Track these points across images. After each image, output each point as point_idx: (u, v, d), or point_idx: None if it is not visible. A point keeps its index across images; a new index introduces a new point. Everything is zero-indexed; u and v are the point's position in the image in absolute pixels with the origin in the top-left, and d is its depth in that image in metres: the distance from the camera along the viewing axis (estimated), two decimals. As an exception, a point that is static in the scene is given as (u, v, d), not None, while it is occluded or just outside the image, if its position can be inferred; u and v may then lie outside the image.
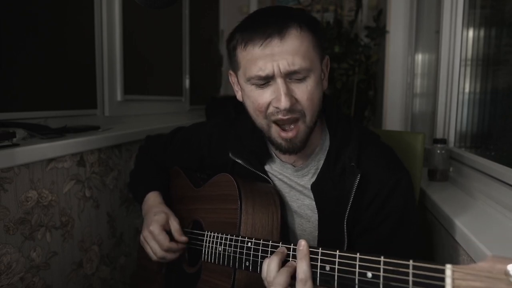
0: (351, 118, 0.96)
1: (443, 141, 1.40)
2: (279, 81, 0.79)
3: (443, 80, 1.54)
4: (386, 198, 0.83)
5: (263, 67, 0.79)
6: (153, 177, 1.14)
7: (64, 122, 1.35)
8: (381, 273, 0.56)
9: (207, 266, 0.93)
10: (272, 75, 0.79)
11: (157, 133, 1.29)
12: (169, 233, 0.98)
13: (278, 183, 0.97)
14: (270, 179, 0.96)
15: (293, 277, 0.67)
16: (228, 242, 0.85)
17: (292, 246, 0.71)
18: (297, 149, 0.86)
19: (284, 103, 0.78)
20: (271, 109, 0.82)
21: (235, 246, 0.83)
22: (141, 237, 1.00)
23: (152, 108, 2.05)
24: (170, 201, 1.10)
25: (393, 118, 2.12)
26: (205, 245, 0.92)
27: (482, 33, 1.42)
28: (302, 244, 0.67)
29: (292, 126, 0.83)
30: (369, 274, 0.57)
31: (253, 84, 0.83)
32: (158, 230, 0.95)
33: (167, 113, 2.21)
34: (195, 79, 2.48)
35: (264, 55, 0.78)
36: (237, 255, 0.82)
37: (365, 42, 2.47)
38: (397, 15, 2.08)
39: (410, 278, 0.53)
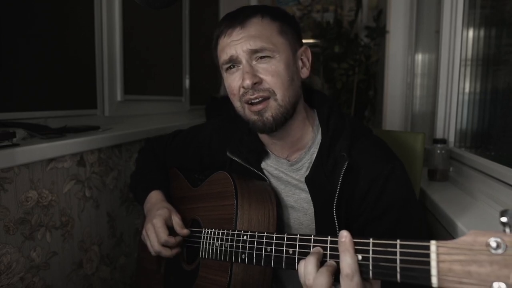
0: (345, 114, 0.97)
1: (443, 141, 1.40)
2: (244, 62, 0.86)
3: (443, 80, 1.54)
4: (382, 187, 0.83)
5: (228, 52, 0.87)
6: (154, 177, 1.15)
7: (64, 122, 1.35)
8: (370, 255, 0.57)
9: (204, 262, 0.94)
10: (236, 56, 0.86)
11: (156, 135, 1.30)
12: (171, 228, 0.99)
13: (273, 179, 0.98)
14: (266, 177, 0.98)
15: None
16: (224, 237, 0.86)
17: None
18: (270, 125, 0.87)
19: (246, 80, 0.84)
20: (241, 91, 0.87)
21: (231, 240, 0.84)
22: (143, 231, 1.01)
23: (152, 108, 2.05)
24: (170, 201, 1.10)
25: (393, 118, 2.12)
26: (203, 242, 0.93)
27: (482, 33, 1.42)
28: (344, 235, 0.59)
29: (261, 101, 0.87)
30: (359, 257, 0.58)
31: (225, 71, 0.91)
32: (160, 223, 0.97)
33: (167, 113, 2.20)
34: (195, 79, 2.48)
35: (229, 41, 0.87)
36: (234, 249, 0.83)
37: (365, 42, 2.47)
38: (397, 15, 2.08)
39: (398, 257, 0.54)
